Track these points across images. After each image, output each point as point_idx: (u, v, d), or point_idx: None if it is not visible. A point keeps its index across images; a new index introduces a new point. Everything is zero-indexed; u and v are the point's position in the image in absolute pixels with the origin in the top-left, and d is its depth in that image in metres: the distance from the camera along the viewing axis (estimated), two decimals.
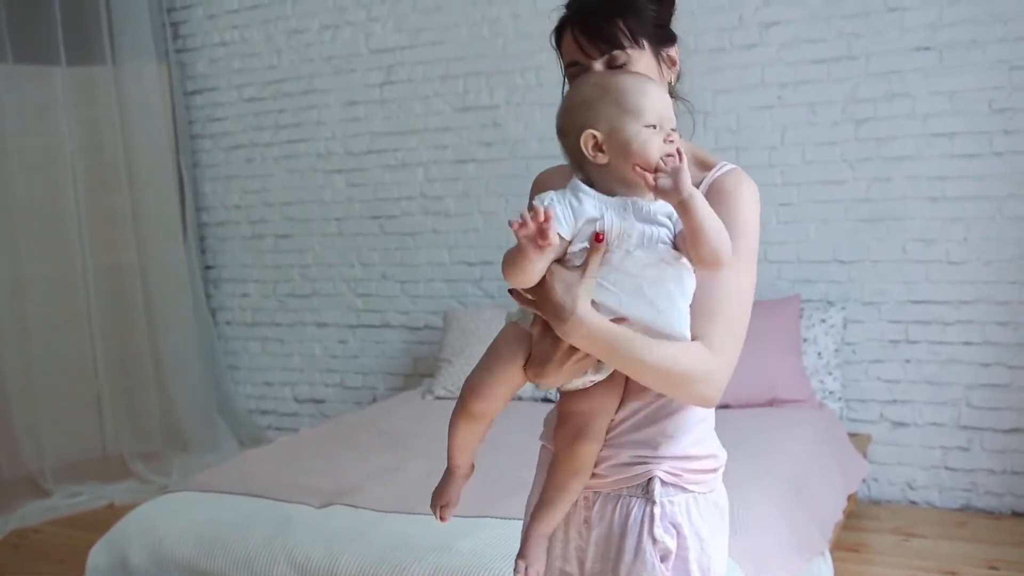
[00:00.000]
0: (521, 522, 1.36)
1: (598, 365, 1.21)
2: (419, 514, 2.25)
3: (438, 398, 3.70)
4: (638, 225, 1.13)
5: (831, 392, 3.41)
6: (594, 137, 1.15)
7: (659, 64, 1.27)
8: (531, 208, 1.10)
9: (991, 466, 3.41)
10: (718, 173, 1.28)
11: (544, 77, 3.93)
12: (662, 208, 1.14)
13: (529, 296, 1.17)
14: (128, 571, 2.40)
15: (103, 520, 3.23)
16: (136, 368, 4.57)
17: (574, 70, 1.26)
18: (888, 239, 3.48)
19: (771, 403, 3.27)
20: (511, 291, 1.19)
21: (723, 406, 3.00)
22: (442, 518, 1.36)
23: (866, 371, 3.56)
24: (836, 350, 3.45)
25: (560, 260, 1.16)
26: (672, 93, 1.31)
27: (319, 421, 4.50)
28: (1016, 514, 3.39)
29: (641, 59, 1.24)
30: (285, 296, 4.69)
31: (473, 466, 1.36)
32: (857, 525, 3.33)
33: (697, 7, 3.60)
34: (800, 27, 3.51)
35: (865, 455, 3.38)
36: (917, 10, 3.34)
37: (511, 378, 1.24)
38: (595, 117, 1.16)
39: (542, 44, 3.85)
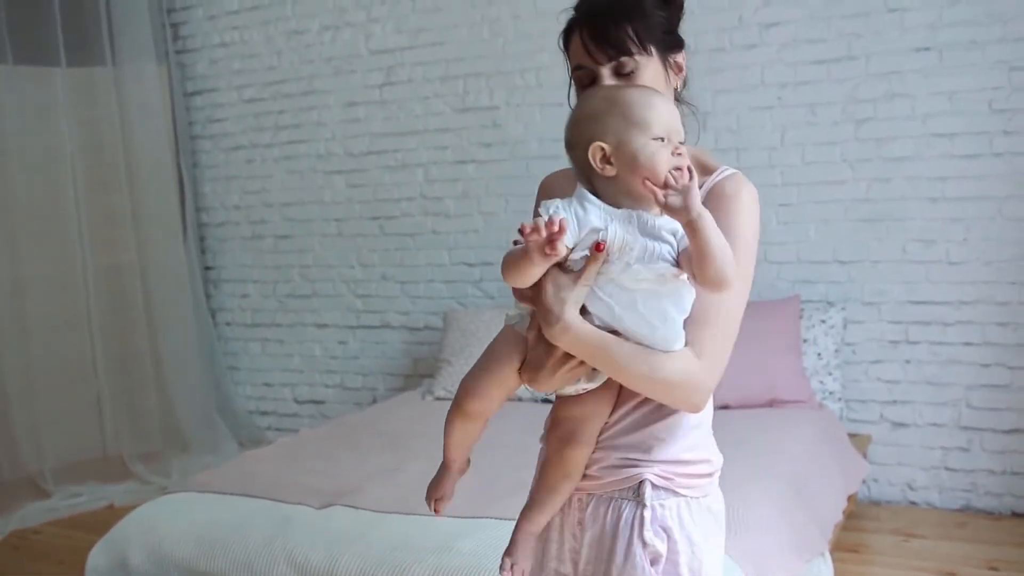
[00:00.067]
0: None
1: (592, 374, 1.21)
2: (419, 515, 2.26)
3: (438, 399, 3.70)
4: (641, 239, 1.14)
5: (831, 392, 3.41)
6: (602, 149, 1.15)
7: (666, 70, 1.28)
8: (537, 215, 1.11)
9: (991, 467, 3.42)
10: (719, 177, 1.28)
11: (544, 78, 3.93)
12: (667, 224, 1.14)
13: (530, 293, 1.19)
14: (128, 572, 2.40)
15: (103, 521, 3.22)
16: (136, 368, 4.57)
17: (580, 73, 1.27)
18: (888, 239, 3.48)
19: (771, 404, 3.27)
20: (514, 288, 1.20)
21: (723, 406, 3.02)
22: (436, 511, 1.38)
23: (866, 371, 3.56)
24: (836, 350, 3.45)
25: (560, 265, 1.16)
26: (678, 99, 1.31)
27: (319, 422, 4.50)
28: (1016, 515, 3.39)
29: (648, 65, 1.24)
30: (285, 297, 4.69)
31: (469, 461, 1.38)
32: (857, 526, 3.33)
33: (697, 7, 3.60)
34: (800, 27, 3.51)
35: (865, 455, 3.38)
36: (917, 10, 3.34)
37: (506, 380, 1.25)
38: (603, 130, 1.16)
39: (542, 45, 3.90)
